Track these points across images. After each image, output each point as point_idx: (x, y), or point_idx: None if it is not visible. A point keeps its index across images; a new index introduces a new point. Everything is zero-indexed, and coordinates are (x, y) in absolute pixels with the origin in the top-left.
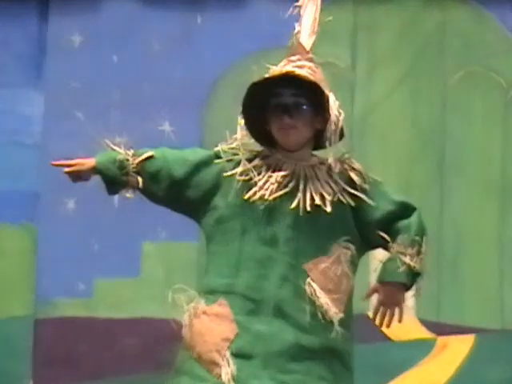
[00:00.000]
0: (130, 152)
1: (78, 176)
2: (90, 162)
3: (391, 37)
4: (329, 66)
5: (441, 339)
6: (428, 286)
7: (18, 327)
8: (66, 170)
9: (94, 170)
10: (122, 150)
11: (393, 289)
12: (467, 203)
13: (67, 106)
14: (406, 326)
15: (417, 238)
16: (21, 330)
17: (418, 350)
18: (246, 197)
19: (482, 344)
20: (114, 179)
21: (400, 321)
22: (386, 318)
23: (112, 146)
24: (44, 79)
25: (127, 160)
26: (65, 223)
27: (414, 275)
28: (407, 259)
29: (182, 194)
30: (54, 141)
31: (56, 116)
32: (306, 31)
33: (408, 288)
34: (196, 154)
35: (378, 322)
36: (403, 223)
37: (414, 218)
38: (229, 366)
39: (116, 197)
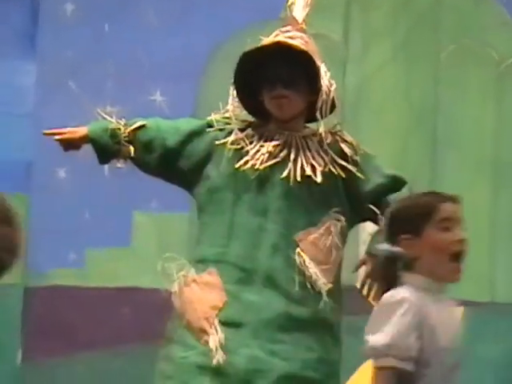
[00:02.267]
0: (122, 121)
1: (69, 144)
2: (82, 131)
3: (385, 10)
4: (322, 38)
5: None
6: None
7: (8, 296)
8: (57, 137)
9: (86, 139)
10: (114, 120)
11: None
12: (460, 177)
13: (60, 75)
14: None
15: None
16: (10, 298)
17: None
18: (237, 166)
19: (471, 316)
20: (106, 148)
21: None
22: (373, 290)
23: (104, 115)
24: (36, 48)
25: (119, 129)
26: (56, 193)
27: None
28: None
29: (174, 164)
30: (47, 111)
31: (49, 85)
32: (300, 3)
33: None
34: (189, 123)
35: (365, 293)
36: (393, 196)
37: (404, 192)
38: (217, 333)
39: (106, 167)
